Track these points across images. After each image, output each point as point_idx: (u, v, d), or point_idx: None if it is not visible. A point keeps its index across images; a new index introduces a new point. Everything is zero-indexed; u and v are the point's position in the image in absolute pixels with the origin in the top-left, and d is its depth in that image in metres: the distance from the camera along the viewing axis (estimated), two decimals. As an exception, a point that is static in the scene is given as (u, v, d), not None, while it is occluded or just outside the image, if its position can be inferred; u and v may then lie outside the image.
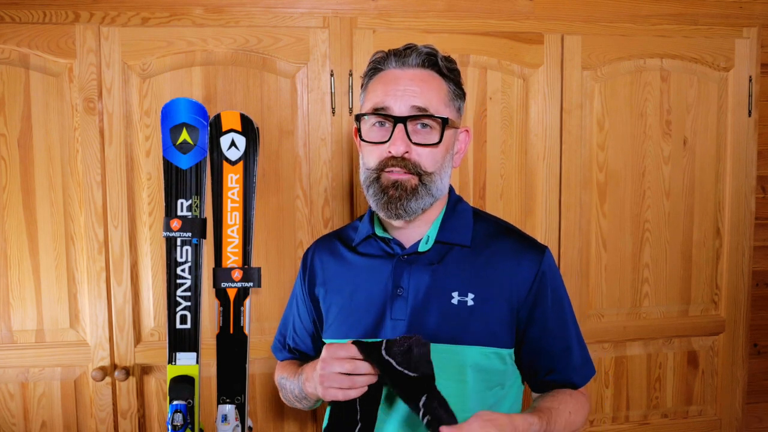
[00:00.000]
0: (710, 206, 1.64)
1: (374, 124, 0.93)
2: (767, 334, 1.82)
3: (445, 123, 0.91)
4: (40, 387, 1.44)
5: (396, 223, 0.96)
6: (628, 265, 1.61)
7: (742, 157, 1.63)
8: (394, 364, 0.81)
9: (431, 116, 0.90)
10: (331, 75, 1.45)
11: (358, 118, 0.95)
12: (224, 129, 1.09)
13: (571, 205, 1.57)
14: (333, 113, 1.46)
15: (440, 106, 0.92)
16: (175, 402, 1.03)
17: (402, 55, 0.93)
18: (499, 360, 0.94)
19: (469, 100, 1.50)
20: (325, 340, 1.03)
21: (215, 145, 1.09)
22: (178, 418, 1.03)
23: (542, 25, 1.52)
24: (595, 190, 1.58)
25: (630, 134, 1.58)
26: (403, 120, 0.89)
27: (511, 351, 0.96)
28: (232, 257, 1.09)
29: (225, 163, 1.09)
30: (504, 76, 1.51)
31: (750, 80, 1.61)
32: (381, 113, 0.91)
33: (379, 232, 1.00)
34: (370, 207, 0.98)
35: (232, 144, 1.09)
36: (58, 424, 1.45)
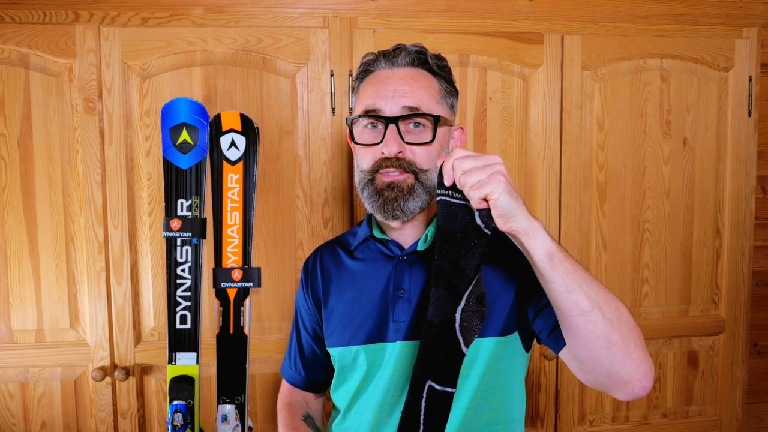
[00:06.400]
0: (710, 206, 1.64)
1: (366, 126, 0.93)
2: (767, 334, 1.82)
3: (437, 121, 0.89)
4: (40, 387, 1.44)
5: (393, 224, 0.95)
6: (628, 265, 1.61)
7: (742, 157, 1.63)
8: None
9: (423, 114, 0.89)
10: (331, 75, 1.45)
11: (351, 121, 0.95)
12: (224, 129, 1.09)
13: (571, 205, 1.57)
14: (333, 113, 1.45)
15: (432, 104, 0.91)
16: (175, 402, 1.03)
17: (391, 55, 0.93)
18: (508, 347, 0.92)
19: (469, 100, 1.50)
20: (328, 349, 1.03)
21: (215, 145, 1.09)
22: (178, 418, 1.02)
23: (542, 25, 1.52)
24: (595, 190, 1.58)
25: (630, 134, 1.58)
26: (395, 120, 0.88)
27: (516, 335, 0.93)
28: (232, 257, 1.09)
29: (225, 163, 1.09)
30: (504, 76, 1.51)
31: (750, 80, 1.61)
32: (372, 115, 0.90)
33: (377, 234, 0.99)
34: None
35: (232, 144, 1.09)
36: (58, 424, 1.45)
